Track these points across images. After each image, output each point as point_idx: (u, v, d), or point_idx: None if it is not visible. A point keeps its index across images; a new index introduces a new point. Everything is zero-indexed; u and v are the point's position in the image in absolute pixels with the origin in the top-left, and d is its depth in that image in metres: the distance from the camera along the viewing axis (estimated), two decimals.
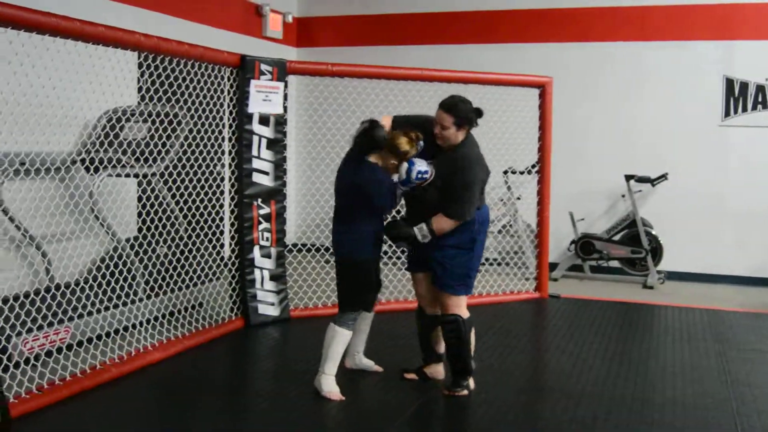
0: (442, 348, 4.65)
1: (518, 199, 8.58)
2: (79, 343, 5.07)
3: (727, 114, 8.45)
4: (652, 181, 8.39)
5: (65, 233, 5.60)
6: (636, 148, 8.65)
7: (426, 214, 4.35)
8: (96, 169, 5.57)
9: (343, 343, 4.38)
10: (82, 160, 5.57)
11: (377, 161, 4.34)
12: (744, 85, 8.36)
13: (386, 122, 4.52)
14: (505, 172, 8.52)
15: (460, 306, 4.46)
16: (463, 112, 4.40)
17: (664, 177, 8.38)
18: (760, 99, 8.34)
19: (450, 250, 4.39)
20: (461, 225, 4.36)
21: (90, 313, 5.28)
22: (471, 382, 4.51)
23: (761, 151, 8.30)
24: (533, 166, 7.53)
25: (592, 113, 8.81)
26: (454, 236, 4.37)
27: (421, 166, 4.27)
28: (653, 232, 8.43)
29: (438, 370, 4.73)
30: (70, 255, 5.41)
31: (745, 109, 8.38)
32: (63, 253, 5.45)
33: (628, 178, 8.40)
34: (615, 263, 8.59)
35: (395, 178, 4.32)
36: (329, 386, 4.34)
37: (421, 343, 4.76)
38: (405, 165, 4.27)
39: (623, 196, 8.59)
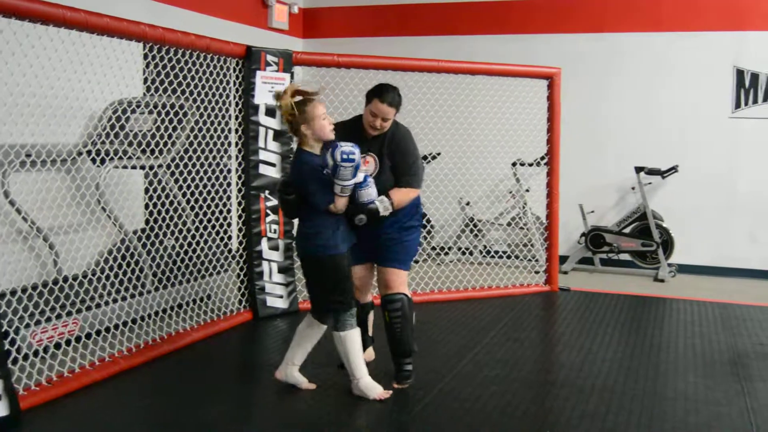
0: (371, 331, 4.83)
1: (527, 191, 8.54)
2: (88, 335, 5.05)
3: (737, 106, 8.37)
4: (663, 174, 8.33)
5: (72, 225, 5.58)
6: (646, 140, 8.58)
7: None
8: (102, 161, 5.55)
9: (353, 343, 4.17)
10: (89, 152, 5.54)
11: (305, 146, 4.14)
12: (755, 77, 8.27)
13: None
14: (514, 164, 8.47)
15: (405, 283, 4.50)
16: (400, 103, 4.44)
17: (674, 169, 8.32)
18: None
19: (409, 228, 4.47)
20: (414, 201, 4.48)
21: (98, 306, 5.27)
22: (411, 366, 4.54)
23: None
24: (542, 158, 7.48)
25: (602, 105, 8.74)
26: (409, 213, 4.47)
27: (345, 146, 3.92)
28: (664, 225, 8.37)
29: (371, 353, 4.84)
30: (77, 247, 5.41)
31: (756, 101, 8.30)
32: (70, 245, 5.44)
33: (638, 170, 8.34)
34: (625, 256, 8.53)
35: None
36: (371, 388, 4.17)
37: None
38: (328, 151, 3.96)
39: (633, 188, 8.52)
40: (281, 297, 6.14)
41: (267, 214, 6.04)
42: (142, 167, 5.88)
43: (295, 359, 4.38)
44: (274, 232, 6.08)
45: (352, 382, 4.22)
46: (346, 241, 4.18)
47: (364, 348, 4.77)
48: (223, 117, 6.13)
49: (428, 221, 8.41)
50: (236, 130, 6.01)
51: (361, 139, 4.34)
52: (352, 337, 4.16)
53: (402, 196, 4.36)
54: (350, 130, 4.39)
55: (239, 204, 6.07)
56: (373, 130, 4.36)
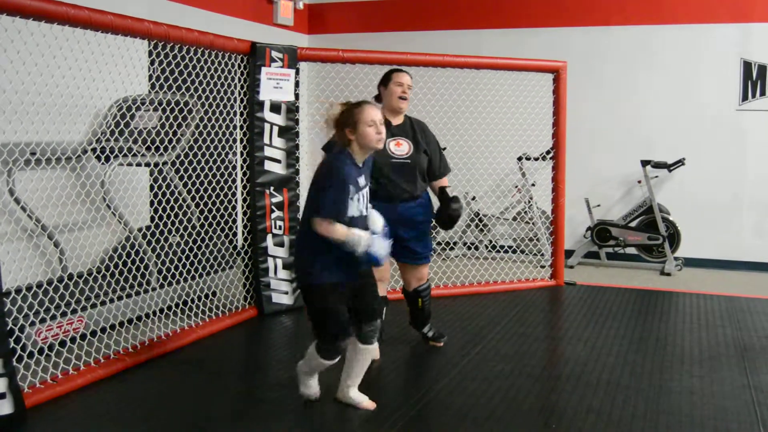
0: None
1: (533, 185, 8.52)
2: (93, 333, 5.08)
3: (744, 98, 8.33)
4: (669, 167, 8.29)
5: (78, 223, 5.60)
6: (652, 134, 8.55)
7: (416, 183, 4.76)
8: (107, 159, 5.56)
9: (317, 368, 3.97)
10: (94, 150, 5.56)
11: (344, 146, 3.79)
12: (762, 69, 8.23)
13: None
14: (520, 159, 8.46)
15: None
16: None
17: (681, 162, 8.29)
18: None
19: (426, 224, 4.87)
20: (428, 196, 4.90)
21: (103, 303, 5.28)
22: None
23: None
24: (548, 152, 7.46)
25: (607, 98, 8.71)
26: (428, 211, 4.86)
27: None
28: (670, 218, 8.34)
29: (376, 353, 4.85)
30: (82, 245, 5.43)
31: (763, 93, 8.26)
32: (76, 242, 5.46)
33: (645, 163, 8.31)
34: (632, 250, 8.51)
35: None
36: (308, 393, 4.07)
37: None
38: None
39: (639, 182, 8.49)
40: (286, 293, 6.14)
41: (272, 211, 6.04)
42: (147, 164, 5.89)
43: (348, 380, 4.07)
44: (279, 228, 6.08)
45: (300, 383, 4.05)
46: (341, 270, 3.75)
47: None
48: (228, 113, 6.13)
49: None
50: (241, 127, 6.01)
51: (387, 127, 4.60)
52: (321, 363, 3.91)
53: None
54: None
55: (244, 200, 6.07)
56: (402, 101, 4.75)
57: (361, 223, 3.76)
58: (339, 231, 3.60)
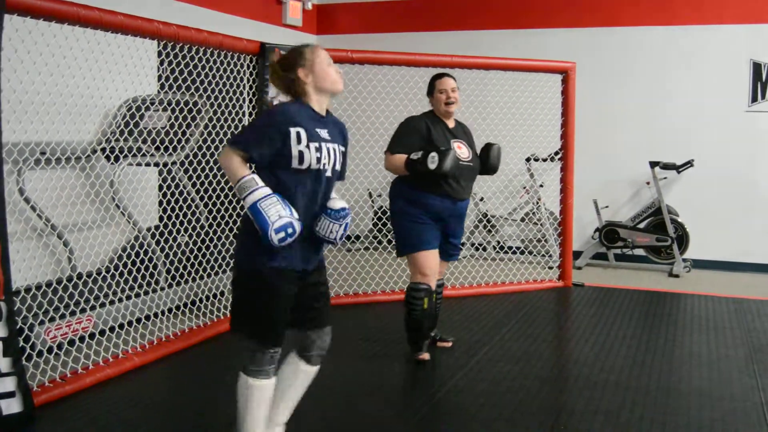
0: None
1: (541, 186, 8.51)
2: (102, 332, 5.09)
3: (754, 99, 8.30)
4: (678, 168, 8.27)
5: (87, 222, 5.62)
6: (661, 135, 8.53)
7: (473, 184, 4.94)
8: (116, 158, 5.58)
9: (256, 400, 3.08)
10: (103, 149, 5.57)
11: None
12: None
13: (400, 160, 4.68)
14: (528, 159, 8.45)
15: None
16: None
17: (689, 164, 8.26)
18: None
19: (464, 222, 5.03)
20: None
21: (112, 302, 5.30)
22: None
23: None
24: (556, 153, 7.45)
25: (616, 99, 8.68)
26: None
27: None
28: (679, 220, 8.32)
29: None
30: (91, 244, 5.44)
31: None
32: (85, 242, 5.48)
33: (653, 164, 8.29)
34: (640, 251, 8.49)
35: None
36: None
37: (434, 320, 5.00)
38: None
39: (648, 183, 8.47)
40: None
41: None
42: (156, 164, 5.90)
43: (275, 417, 3.31)
44: None
45: None
46: (290, 254, 2.99)
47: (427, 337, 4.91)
48: (237, 114, 6.14)
49: None
50: None
51: (446, 129, 4.83)
52: (255, 389, 3.08)
53: None
54: (433, 121, 4.82)
55: None
56: (450, 106, 4.82)
57: (320, 180, 3.07)
58: (236, 167, 2.92)
